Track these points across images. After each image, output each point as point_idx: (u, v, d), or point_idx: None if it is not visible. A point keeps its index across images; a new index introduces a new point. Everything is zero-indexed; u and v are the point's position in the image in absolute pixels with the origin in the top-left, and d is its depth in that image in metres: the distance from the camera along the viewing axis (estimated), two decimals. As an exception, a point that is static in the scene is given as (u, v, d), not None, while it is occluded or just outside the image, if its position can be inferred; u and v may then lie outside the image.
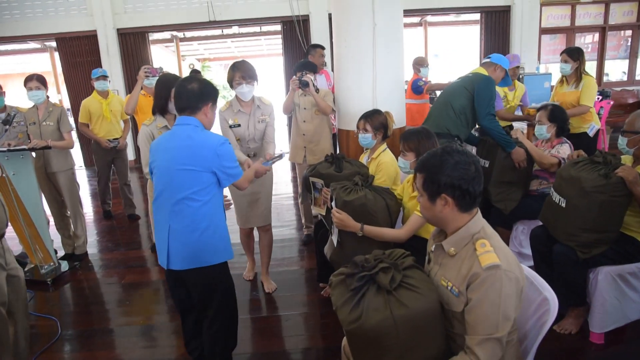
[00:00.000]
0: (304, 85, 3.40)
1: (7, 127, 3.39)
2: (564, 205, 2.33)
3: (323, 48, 4.50)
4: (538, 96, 5.73)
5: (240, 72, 2.80)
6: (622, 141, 2.39)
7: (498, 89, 4.00)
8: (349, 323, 1.25)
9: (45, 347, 2.68)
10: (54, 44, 8.88)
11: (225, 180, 1.97)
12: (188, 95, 1.96)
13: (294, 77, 3.49)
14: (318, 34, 7.47)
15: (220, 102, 2.59)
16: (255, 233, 3.32)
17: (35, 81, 3.59)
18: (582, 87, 3.73)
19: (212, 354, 2.16)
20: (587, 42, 8.63)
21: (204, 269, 1.99)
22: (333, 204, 2.22)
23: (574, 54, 3.73)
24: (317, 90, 3.46)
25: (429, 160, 1.42)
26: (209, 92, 1.99)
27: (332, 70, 4.07)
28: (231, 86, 2.87)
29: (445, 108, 3.20)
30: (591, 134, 3.79)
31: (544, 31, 8.07)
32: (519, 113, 4.51)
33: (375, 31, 3.34)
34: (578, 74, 3.75)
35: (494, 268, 1.25)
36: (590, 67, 8.72)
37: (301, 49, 7.59)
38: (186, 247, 1.94)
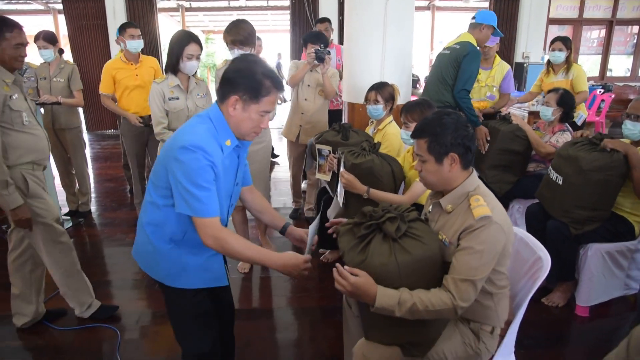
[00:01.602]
0: (320, 59, 3.17)
1: (18, 81, 3.41)
2: (560, 182, 2.42)
3: (330, 22, 4.29)
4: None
5: (231, 37, 2.61)
6: (633, 126, 2.36)
7: None
8: (355, 264, 1.34)
9: (51, 295, 2.77)
10: (57, 5, 8.81)
11: (178, 202, 1.38)
12: (222, 77, 1.48)
13: (311, 49, 3.21)
14: (326, 10, 7.44)
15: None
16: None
17: (42, 40, 3.55)
18: (574, 75, 3.78)
19: None
20: (593, 37, 8.64)
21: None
22: (341, 167, 2.29)
23: (567, 42, 3.78)
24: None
25: (430, 124, 1.47)
26: (237, 80, 1.41)
27: (341, 44, 4.08)
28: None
29: (442, 83, 3.26)
30: (579, 123, 3.88)
31: (551, 21, 8.07)
32: (489, 100, 3.82)
33: (388, 6, 3.37)
34: (568, 63, 3.80)
35: (486, 219, 1.35)
36: (595, 61, 8.76)
37: (309, 26, 7.56)
38: (136, 238, 1.60)
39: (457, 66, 3.20)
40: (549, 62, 3.92)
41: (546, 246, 2.46)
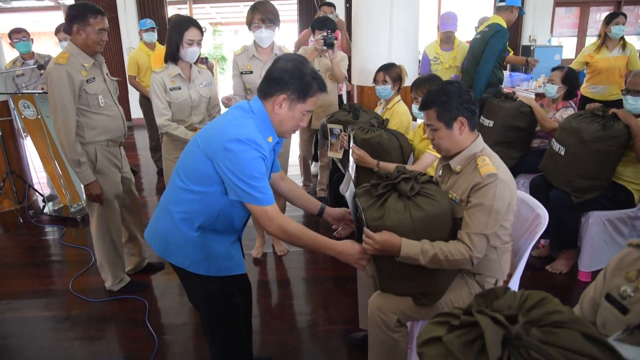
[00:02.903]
0: (329, 45, 3.14)
1: (42, 71, 3.58)
2: (562, 153, 2.53)
3: (335, 7, 4.28)
4: (548, 69, 5.82)
5: (260, 15, 2.55)
6: (634, 101, 2.44)
7: (430, 50, 4.07)
8: (374, 220, 1.48)
9: (82, 271, 2.96)
10: (67, 1, 8.96)
11: (236, 191, 1.42)
12: (267, 73, 1.50)
13: (319, 36, 3.21)
14: (333, -2, 7.50)
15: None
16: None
17: (62, 32, 3.77)
18: (632, 52, 3.88)
19: None
20: (603, 18, 8.60)
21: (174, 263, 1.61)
22: (352, 143, 2.42)
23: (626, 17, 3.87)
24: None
25: (436, 95, 1.60)
26: (286, 80, 1.44)
27: (348, 29, 4.15)
28: (250, 29, 2.67)
29: (478, 64, 3.55)
30: None
31: (558, 4, 8.06)
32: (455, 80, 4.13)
33: (394, -10, 3.47)
34: (623, 39, 3.90)
35: (492, 176, 1.48)
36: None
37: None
38: (155, 223, 1.61)
39: (486, 46, 3.49)
40: (604, 37, 3.93)
41: (549, 215, 2.61)
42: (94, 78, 2.35)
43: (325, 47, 3.18)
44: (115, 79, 2.60)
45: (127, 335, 2.36)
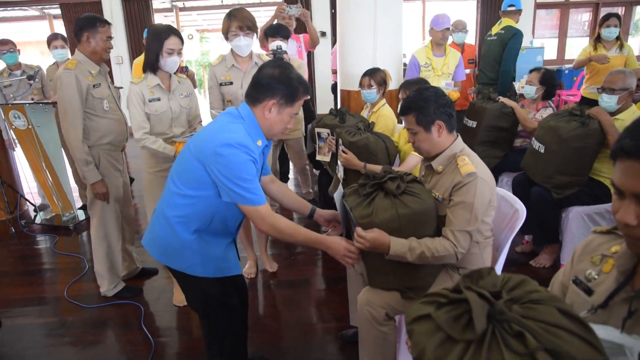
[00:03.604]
0: (278, 59, 2.97)
1: (32, 82, 3.61)
2: (542, 151, 2.64)
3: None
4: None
5: (237, 22, 2.50)
6: (609, 99, 2.55)
7: (420, 55, 3.81)
8: (362, 217, 1.55)
9: (76, 278, 2.99)
10: (52, 11, 8.96)
11: (229, 194, 1.49)
12: (255, 80, 1.57)
13: (269, 51, 3.15)
14: (319, 5, 7.59)
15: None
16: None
17: (60, 40, 3.86)
18: (629, 52, 4.00)
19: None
20: (584, 19, 8.81)
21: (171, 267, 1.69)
22: (340, 147, 2.50)
23: (620, 19, 3.96)
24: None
25: (414, 100, 1.68)
26: (274, 86, 1.52)
27: (335, 34, 4.21)
28: (226, 38, 2.58)
29: (497, 64, 4.00)
30: None
31: (539, 6, 8.24)
32: (447, 87, 3.73)
33: (377, -3, 3.57)
34: (620, 40, 4.01)
35: (472, 175, 1.56)
36: (584, 43, 8.91)
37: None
38: (152, 229, 1.68)
39: (504, 47, 3.82)
40: (597, 38, 4.03)
41: (531, 211, 2.70)
42: (100, 84, 2.47)
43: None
44: (119, 87, 2.68)
45: (124, 339, 2.41)
